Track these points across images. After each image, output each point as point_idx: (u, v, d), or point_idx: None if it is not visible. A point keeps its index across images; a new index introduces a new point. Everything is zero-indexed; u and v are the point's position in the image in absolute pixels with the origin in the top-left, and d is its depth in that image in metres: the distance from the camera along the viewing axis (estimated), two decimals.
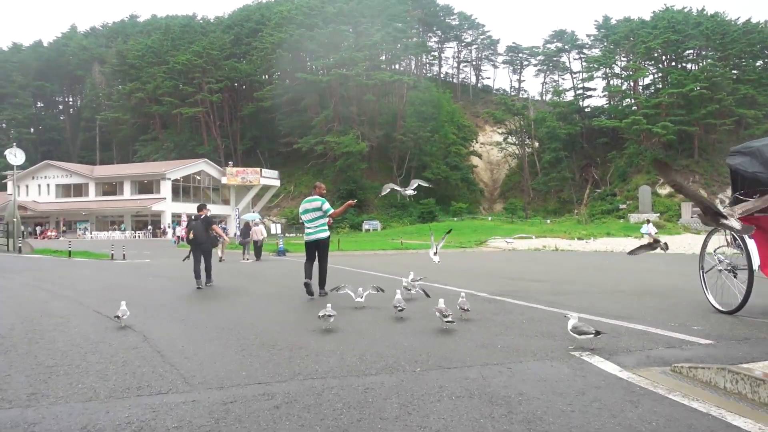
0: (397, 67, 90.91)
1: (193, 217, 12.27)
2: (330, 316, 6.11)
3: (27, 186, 65.65)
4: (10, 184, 66.31)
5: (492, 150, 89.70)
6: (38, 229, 62.99)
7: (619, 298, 9.08)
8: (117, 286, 11.61)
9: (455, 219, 65.71)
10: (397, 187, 10.20)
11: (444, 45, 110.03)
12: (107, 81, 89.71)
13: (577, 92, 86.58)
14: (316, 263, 9.40)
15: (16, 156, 23.75)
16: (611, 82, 79.71)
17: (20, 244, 24.87)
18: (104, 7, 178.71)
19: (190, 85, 76.94)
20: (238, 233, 26.58)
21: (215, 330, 6.42)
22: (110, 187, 63.68)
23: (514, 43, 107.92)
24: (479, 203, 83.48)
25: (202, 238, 11.44)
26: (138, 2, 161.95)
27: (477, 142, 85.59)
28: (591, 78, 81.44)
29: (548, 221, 65.13)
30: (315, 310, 6.90)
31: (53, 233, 60.04)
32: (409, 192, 10.00)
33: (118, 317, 6.52)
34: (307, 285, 9.08)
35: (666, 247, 9.06)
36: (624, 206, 63.98)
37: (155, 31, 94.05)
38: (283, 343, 5.56)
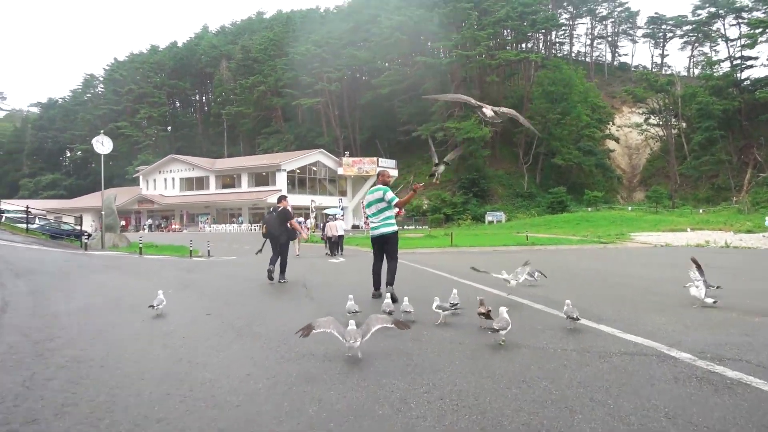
0: (523, 46, 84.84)
1: (271, 209, 11.51)
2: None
3: (155, 180, 67.98)
4: (141, 178, 69.28)
5: (630, 132, 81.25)
6: (164, 222, 64.98)
7: None
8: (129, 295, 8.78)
9: (589, 209, 59.25)
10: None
11: (576, 21, 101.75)
12: (233, 76, 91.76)
13: (734, 63, 75.54)
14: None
15: (103, 144, 22.35)
16: None
17: (115, 238, 23.59)
18: (234, 6, 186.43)
19: (309, 76, 76.12)
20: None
21: None
22: (229, 180, 64.08)
23: (656, 13, 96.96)
24: (616, 192, 75.71)
25: (276, 231, 10.73)
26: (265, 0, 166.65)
27: (613, 125, 77.61)
28: (754, 44, 70.12)
29: (701, 211, 56.81)
30: None
31: (177, 226, 61.44)
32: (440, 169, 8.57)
33: (152, 306, 6.74)
34: (375, 296, 7.85)
35: None
36: None
37: (278, 24, 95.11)
38: None
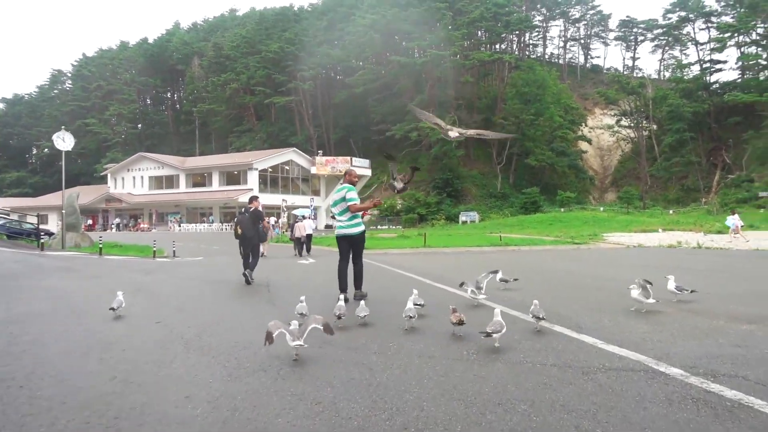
0: (497, 47, 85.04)
1: (242, 210, 11.49)
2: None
3: (123, 178, 66.39)
4: (109, 177, 67.62)
5: (602, 134, 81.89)
6: (132, 221, 63.54)
7: None
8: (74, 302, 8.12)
9: (562, 210, 59.48)
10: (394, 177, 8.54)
11: (549, 23, 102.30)
12: (205, 74, 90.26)
13: (704, 66, 76.68)
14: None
15: (64, 140, 21.43)
16: (746, 51, 69.60)
17: (77, 238, 22.67)
18: (207, 3, 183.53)
19: (282, 74, 75.23)
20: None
21: None
22: (200, 179, 62.91)
23: (627, 16, 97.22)
24: (588, 192, 76.20)
25: (249, 233, 10.64)
26: None
27: (586, 126, 78.21)
28: (722, 48, 71.32)
29: (671, 212, 57.45)
30: None
31: (146, 225, 60.08)
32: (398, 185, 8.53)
33: (113, 309, 6.57)
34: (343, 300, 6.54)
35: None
36: (765, 194, 54.95)
37: (250, 22, 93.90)
38: None
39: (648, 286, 6.74)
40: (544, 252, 22.28)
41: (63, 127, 23.68)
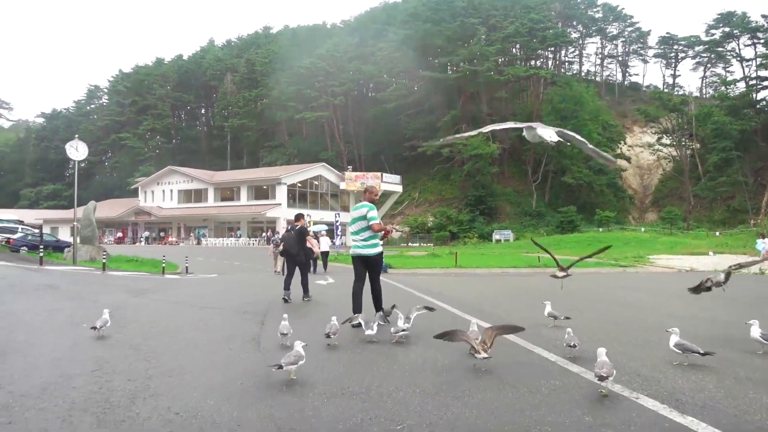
0: (532, 64, 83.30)
1: (288, 227, 11.49)
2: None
3: (153, 192, 66.28)
4: (140, 190, 67.61)
5: (642, 152, 79.08)
6: (161, 234, 63.24)
7: None
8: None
9: (600, 229, 56.99)
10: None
11: (586, 41, 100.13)
12: (237, 89, 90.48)
13: (750, 83, 73.61)
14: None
15: (77, 149, 20.50)
16: None
17: (92, 251, 21.71)
18: (241, 21, 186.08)
19: (314, 90, 74.68)
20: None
21: None
22: (229, 193, 62.31)
23: (668, 33, 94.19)
24: (628, 212, 73.36)
25: (293, 250, 10.61)
26: (272, 15, 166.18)
27: (625, 144, 75.58)
28: None
29: (717, 233, 54.39)
30: None
31: (174, 239, 59.60)
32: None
33: (95, 328, 6.25)
34: (353, 322, 6.94)
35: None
36: None
37: (283, 38, 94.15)
38: None
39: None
40: (589, 276, 20.41)
41: (76, 135, 22.81)
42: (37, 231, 40.36)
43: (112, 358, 5.26)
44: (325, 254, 21.52)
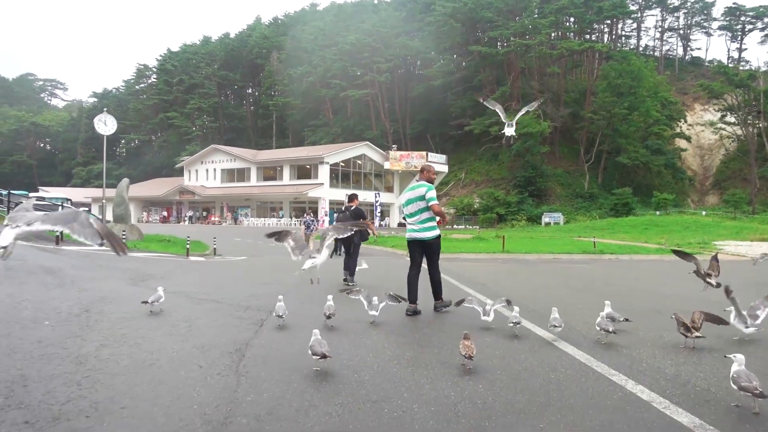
0: (587, 38, 79.38)
1: (343, 209, 11.43)
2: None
3: (197, 171, 66.21)
4: (184, 169, 67.78)
5: (703, 132, 74.71)
6: (204, 213, 63.29)
7: None
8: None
9: (657, 213, 53.95)
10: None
11: (645, 13, 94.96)
12: (283, 67, 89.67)
13: None
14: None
15: (106, 124, 19.77)
16: None
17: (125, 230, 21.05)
18: None
19: (359, 66, 73.08)
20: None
21: None
22: (271, 172, 61.60)
23: (734, 3, 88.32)
24: (687, 195, 69.57)
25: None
26: None
27: (685, 122, 71.41)
28: None
29: None
30: None
31: (217, 218, 59.48)
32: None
33: (146, 302, 6.45)
34: (411, 312, 6.89)
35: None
36: None
37: (329, 14, 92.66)
38: None
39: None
40: (651, 264, 18.42)
41: (105, 109, 22.11)
42: (82, 209, 40.47)
43: (36, 376, 4.03)
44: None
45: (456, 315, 6.92)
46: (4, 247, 3.30)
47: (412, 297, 7.00)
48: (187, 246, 16.58)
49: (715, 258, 6.94)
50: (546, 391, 3.92)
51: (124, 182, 24.04)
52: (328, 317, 5.88)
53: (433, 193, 7.07)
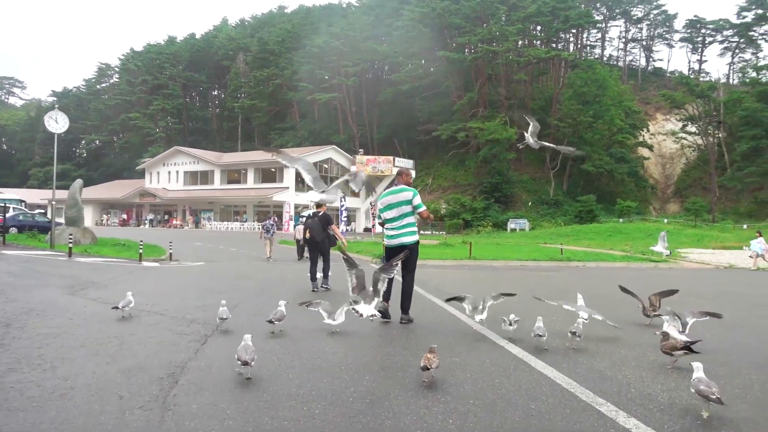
0: (553, 47, 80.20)
1: (310, 214, 11.24)
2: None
3: (158, 173, 64.44)
4: (146, 171, 65.95)
5: (664, 141, 76.04)
6: (166, 217, 61.59)
7: None
8: None
9: (621, 220, 54.53)
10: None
11: (609, 24, 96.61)
12: (249, 69, 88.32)
13: None
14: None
15: (57, 121, 18.72)
16: None
17: (77, 234, 19.91)
18: (255, 0, 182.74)
19: (327, 70, 72.33)
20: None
21: None
22: (235, 175, 60.28)
23: (695, 16, 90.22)
24: (649, 202, 70.54)
25: (319, 237, 10.43)
26: None
27: (647, 131, 72.56)
28: None
29: (745, 226, 51.71)
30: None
31: (178, 222, 57.91)
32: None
33: (117, 307, 6.48)
34: (383, 312, 6.58)
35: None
36: None
37: (297, 17, 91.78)
38: None
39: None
40: (618, 271, 18.17)
41: (56, 106, 21.01)
42: (38, 212, 39.15)
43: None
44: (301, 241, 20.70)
45: (425, 326, 6.37)
46: None
47: (385, 296, 6.70)
48: (140, 251, 15.64)
49: (657, 294, 7.18)
50: (527, 427, 3.37)
51: (77, 184, 22.94)
52: (271, 322, 5.84)
53: (419, 199, 6.96)
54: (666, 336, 4.90)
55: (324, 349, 5.34)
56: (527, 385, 4.26)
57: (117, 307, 6.46)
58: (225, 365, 4.61)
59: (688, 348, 4.55)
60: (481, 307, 6.22)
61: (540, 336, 5.36)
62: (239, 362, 4.14)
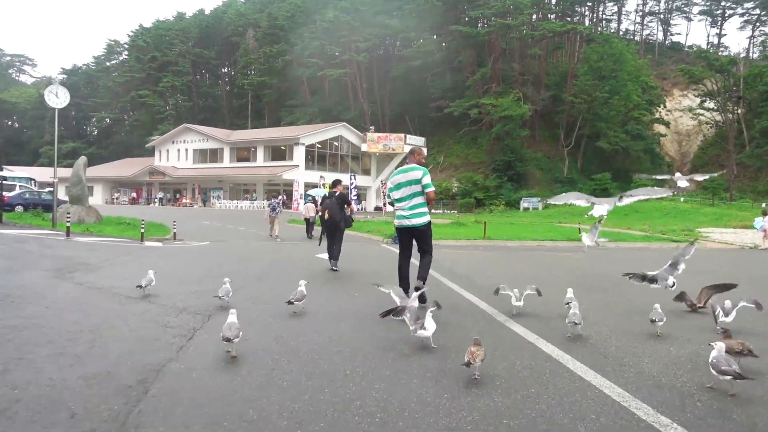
0: (569, 20, 78.35)
1: (327, 194, 11.19)
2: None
3: (168, 151, 63.93)
4: (155, 149, 65.46)
5: (681, 117, 74.41)
6: (176, 195, 61.22)
7: None
8: None
9: None
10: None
11: None
12: (259, 45, 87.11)
13: None
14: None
15: (57, 95, 18.16)
16: None
17: (81, 212, 19.46)
18: None
19: (337, 45, 71.08)
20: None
21: None
22: (245, 153, 59.63)
23: None
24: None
25: (337, 217, 10.24)
26: None
27: (664, 108, 70.92)
28: None
29: (764, 204, 50.42)
30: None
31: (188, 201, 57.48)
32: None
33: (140, 286, 6.41)
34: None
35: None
36: None
37: None
38: None
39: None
40: (640, 253, 17.37)
41: (57, 81, 20.40)
42: (48, 190, 38.86)
43: None
44: (311, 219, 20.79)
45: (446, 320, 5.70)
46: None
47: (403, 285, 6.58)
48: (142, 230, 15.07)
49: (710, 288, 6.64)
50: None
51: (81, 161, 22.41)
52: (290, 302, 5.72)
53: (429, 178, 6.68)
54: (727, 333, 4.19)
55: (327, 347, 4.66)
56: (569, 395, 3.55)
57: (140, 286, 6.42)
58: (209, 367, 3.98)
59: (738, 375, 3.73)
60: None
61: (576, 324, 5.06)
62: (223, 341, 4.12)
